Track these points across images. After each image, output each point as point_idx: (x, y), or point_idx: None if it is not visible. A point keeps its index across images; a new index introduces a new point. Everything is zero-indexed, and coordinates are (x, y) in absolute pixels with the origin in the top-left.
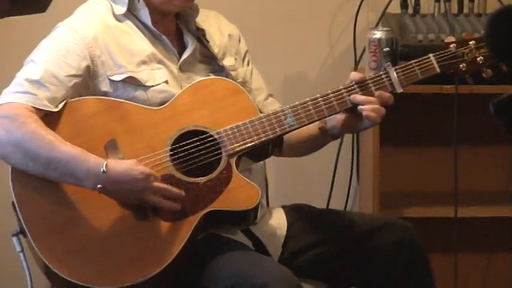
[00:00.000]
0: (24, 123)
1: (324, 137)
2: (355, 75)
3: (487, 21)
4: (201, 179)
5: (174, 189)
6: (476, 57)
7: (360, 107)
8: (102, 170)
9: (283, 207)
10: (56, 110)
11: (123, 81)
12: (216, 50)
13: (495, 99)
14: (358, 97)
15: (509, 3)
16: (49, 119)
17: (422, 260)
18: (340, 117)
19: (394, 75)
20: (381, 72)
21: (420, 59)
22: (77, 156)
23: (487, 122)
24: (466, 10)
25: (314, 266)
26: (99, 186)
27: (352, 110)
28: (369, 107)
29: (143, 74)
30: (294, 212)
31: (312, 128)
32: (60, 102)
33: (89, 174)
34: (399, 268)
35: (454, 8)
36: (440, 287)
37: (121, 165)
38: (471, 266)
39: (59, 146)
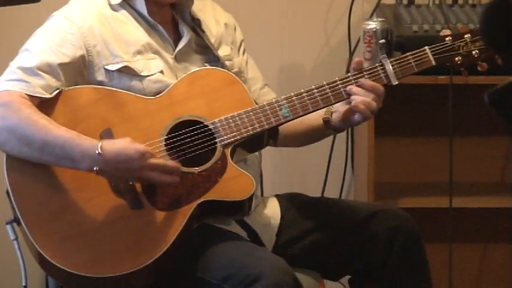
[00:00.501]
0: (19, 109)
1: (325, 129)
2: (357, 62)
3: (482, 14)
4: (196, 169)
5: (170, 163)
6: (472, 51)
7: (352, 96)
8: (97, 152)
9: (277, 196)
10: (49, 96)
11: (119, 70)
12: (212, 39)
13: (489, 90)
14: (354, 89)
15: None
16: (44, 107)
17: (417, 248)
18: (341, 109)
19: (389, 67)
20: (377, 65)
21: (416, 51)
22: (71, 139)
23: (482, 113)
24: (460, 1)
25: (308, 254)
26: (95, 168)
27: (349, 103)
28: (360, 98)
29: (138, 64)
30: (288, 200)
31: (314, 119)
32: (55, 91)
33: (84, 156)
34: (394, 255)
35: None
36: (435, 277)
37: (116, 145)
38: (466, 256)
39: (53, 129)
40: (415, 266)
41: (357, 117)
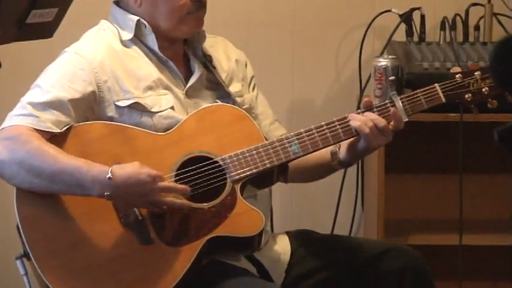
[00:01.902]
0: (27, 140)
1: (332, 162)
2: (366, 100)
3: (492, 52)
4: (206, 204)
5: (180, 186)
6: (482, 88)
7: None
8: (107, 177)
9: (287, 233)
10: (59, 131)
11: (129, 106)
12: (223, 75)
13: (499, 127)
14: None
15: None
16: (54, 142)
17: (427, 284)
18: (348, 144)
19: (399, 104)
20: (387, 101)
21: (426, 88)
22: (81, 166)
23: (492, 150)
24: (471, 39)
25: None
26: (106, 193)
27: (358, 140)
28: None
29: (149, 100)
30: (298, 237)
31: (322, 155)
32: (65, 126)
33: (95, 183)
34: None
35: (460, 37)
36: None
37: (126, 169)
38: None
39: (62, 158)
40: None
41: (370, 145)
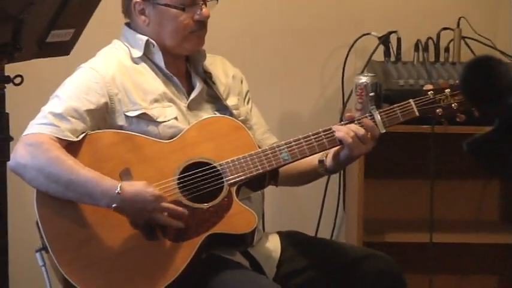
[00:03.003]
0: (48, 149)
1: (319, 169)
2: (348, 115)
3: (462, 71)
4: (205, 205)
5: (179, 209)
6: (451, 103)
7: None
8: (116, 192)
9: (278, 232)
10: (76, 139)
11: (137, 117)
12: (221, 89)
13: (468, 139)
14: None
15: (480, 53)
16: (71, 148)
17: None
18: (332, 152)
19: (378, 117)
20: (367, 115)
21: (401, 103)
22: (93, 179)
23: (460, 159)
24: (442, 59)
25: None
26: (114, 205)
27: (342, 148)
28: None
29: (155, 111)
30: (288, 237)
31: (310, 162)
32: (81, 134)
33: (104, 195)
34: None
35: (432, 57)
36: None
37: (134, 187)
38: (444, 287)
39: (78, 169)
40: None
41: (351, 155)
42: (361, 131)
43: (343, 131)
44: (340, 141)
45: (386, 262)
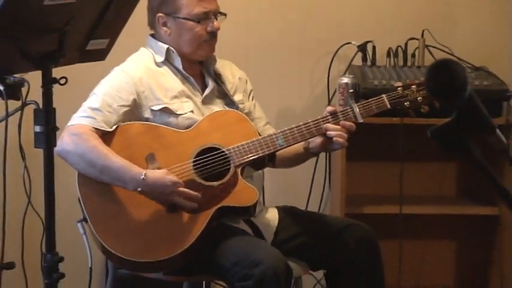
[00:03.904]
0: (87, 139)
1: (306, 155)
2: (329, 108)
3: (427, 71)
4: (215, 183)
5: (193, 193)
6: (417, 97)
7: (330, 132)
8: (142, 178)
9: (276, 207)
10: (110, 130)
11: (160, 110)
12: (229, 88)
13: (432, 128)
14: (330, 126)
15: (440, 57)
16: (106, 137)
17: (376, 254)
18: (318, 140)
19: (356, 109)
20: (347, 107)
21: (376, 98)
22: (124, 166)
23: (424, 145)
24: (409, 63)
25: (297, 251)
26: (139, 189)
27: (325, 135)
28: (337, 133)
29: (175, 106)
30: (284, 211)
31: (298, 148)
32: (114, 125)
33: (132, 180)
34: (359, 258)
35: (401, 62)
36: (388, 266)
37: (155, 174)
38: (412, 251)
39: (111, 157)
40: (373, 266)
41: (335, 146)
42: (344, 130)
43: (334, 130)
44: (325, 130)
45: (364, 230)
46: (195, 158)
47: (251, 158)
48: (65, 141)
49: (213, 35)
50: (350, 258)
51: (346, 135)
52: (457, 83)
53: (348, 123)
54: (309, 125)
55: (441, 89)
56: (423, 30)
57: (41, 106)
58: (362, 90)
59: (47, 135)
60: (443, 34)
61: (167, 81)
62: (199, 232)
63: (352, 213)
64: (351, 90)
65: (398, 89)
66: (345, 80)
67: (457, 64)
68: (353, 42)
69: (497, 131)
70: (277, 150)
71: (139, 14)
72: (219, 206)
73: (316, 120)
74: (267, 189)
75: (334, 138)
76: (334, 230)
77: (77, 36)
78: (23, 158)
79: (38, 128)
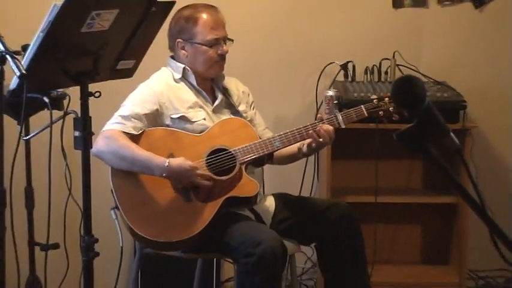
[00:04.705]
0: (117, 139)
1: (299, 154)
2: (318, 116)
3: (392, 86)
4: (224, 177)
5: (207, 174)
6: (389, 108)
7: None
8: (166, 165)
9: (273, 194)
10: (136, 133)
11: (178, 118)
12: (234, 99)
13: (397, 132)
14: (321, 130)
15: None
16: (133, 139)
17: (356, 228)
18: (308, 141)
19: (340, 117)
20: (332, 115)
21: (355, 108)
22: (149, 157)
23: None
24: (382, 79)
25: (290, 230)
26: (164, 174)
27: (315, 139)
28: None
29: (190, 114)
30: (279, 197)
31: (292, 149)
32: (140, 130)
33: (158, 168)
34: (342, 232)
35: (376, 78)
36: (366, 246)
37: (177, 161)
38: (385, 233)
39: (138, 151)
40: (355, 239)
41: (320, 144)
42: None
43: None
44: (315, 133)
45: (345, 207)
46: (207, 157)
47: (253, 157)
48: (99, 144)
49: (222, 57)
50: (334, 231)
51: (329, 136)
52: (417, 95)
53: (330, 128)
54: (301, 130)
55: (404, 100)
56: (394, 52)
57: (79, 115)
58: (344, 101)
59: (84, 139)
60: (411, 55)
61: (183, 94)
62: (210, 218)
63: None
64: (335, 102)
65: (374, 100)
66: (330, 93)
67: (417, 79)
68: (336, 62)
69: (451, 134)
70: (275, 151)
71: (161, 39)
72: (227, 196)
73: (306, 126)
74: (266, 181)
75: (321, 139)
76: (320, 209)
77: (109, 58)
78: (65, 157)
79: (76, 133)
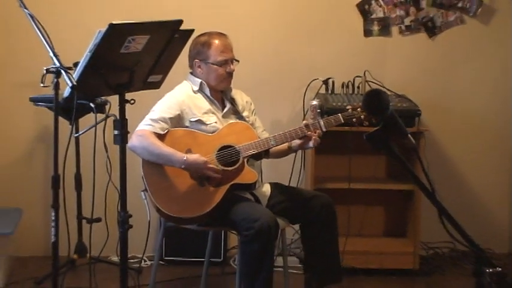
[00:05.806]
0: (148, 137)
1: (289, 151)
2: (304, 122)
3: (363, 97)
4: (230, 168)
5: (216, 168)
6: (361, 115)
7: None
8: (184, 159)
9: (270, 183)
10: (163, 133)
11: (196, 121)
12: (240, 108)
13: (366, 133)
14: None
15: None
16: (160, 138)
17: (333, 215)
18: (298, 141)
19: (322, 122)
20: (316, 121)
21: (334, 115)
22: (172, 153)
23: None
24: (356, 92)
25: (282, 211)
26: (182, 166)
27: (303, 139)
28: (314, 138)
29: (205, 118)
30: (274, 185)
31: (284, 146)
32: (165, 130)
33: (177, 161)
34: (322, 217)
35: (351, 91)
36: (340, 224)
37: (193, 156)
38: (356, 213)
39: (163, 148)
40: (331, 222)
41: (310, 145)
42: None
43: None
44: (304, 135)
45: (325, 199)
46: (217, 151)
47: (253, 152)
48: (133, 141)
49: (230, 74)
50: (316, 217)
51: (318, 139)
52: (383, 104)
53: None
54: (291, 132)
55: (372, 108)
56: (365, 71)
57: (118, 117)
58: (325, 109)
59: (122, 137)
60: (378, 73)
61: (200, 103)
62: (219, 199)
63: (318, 188)
64: (318, 110)
65: (349, 110)
66: (314, 102)
67: (383, 92)
68: (319, 78)
69: (409, 135)
70: (270, 148)
71: (182, 58)
72: (232, 182)
73: (295, 129)
74: (263, 172)
75: (312, 142)
76: (306, 198)
77: (141, 73)
78: (106, 151)
79: (116, 132)
